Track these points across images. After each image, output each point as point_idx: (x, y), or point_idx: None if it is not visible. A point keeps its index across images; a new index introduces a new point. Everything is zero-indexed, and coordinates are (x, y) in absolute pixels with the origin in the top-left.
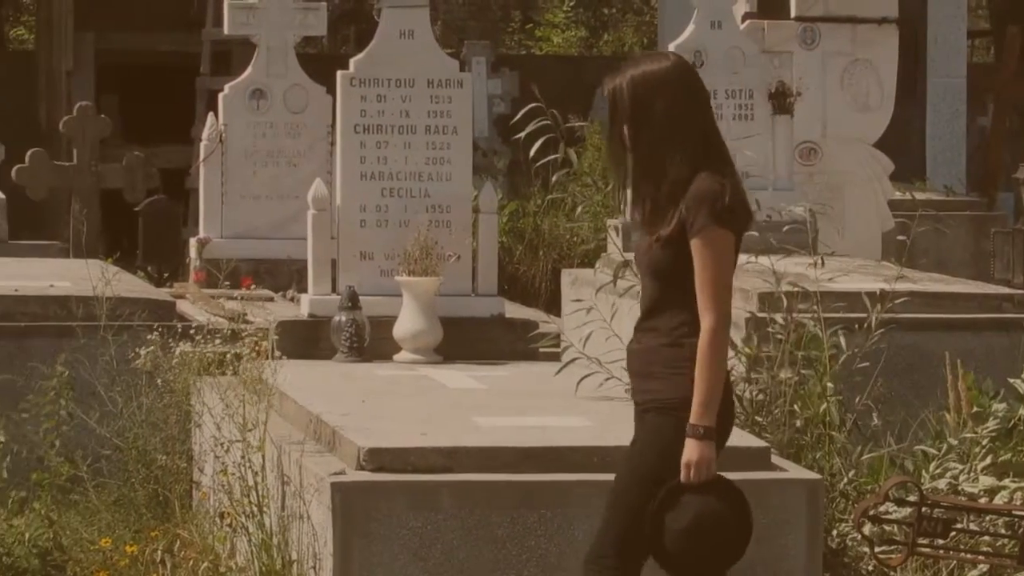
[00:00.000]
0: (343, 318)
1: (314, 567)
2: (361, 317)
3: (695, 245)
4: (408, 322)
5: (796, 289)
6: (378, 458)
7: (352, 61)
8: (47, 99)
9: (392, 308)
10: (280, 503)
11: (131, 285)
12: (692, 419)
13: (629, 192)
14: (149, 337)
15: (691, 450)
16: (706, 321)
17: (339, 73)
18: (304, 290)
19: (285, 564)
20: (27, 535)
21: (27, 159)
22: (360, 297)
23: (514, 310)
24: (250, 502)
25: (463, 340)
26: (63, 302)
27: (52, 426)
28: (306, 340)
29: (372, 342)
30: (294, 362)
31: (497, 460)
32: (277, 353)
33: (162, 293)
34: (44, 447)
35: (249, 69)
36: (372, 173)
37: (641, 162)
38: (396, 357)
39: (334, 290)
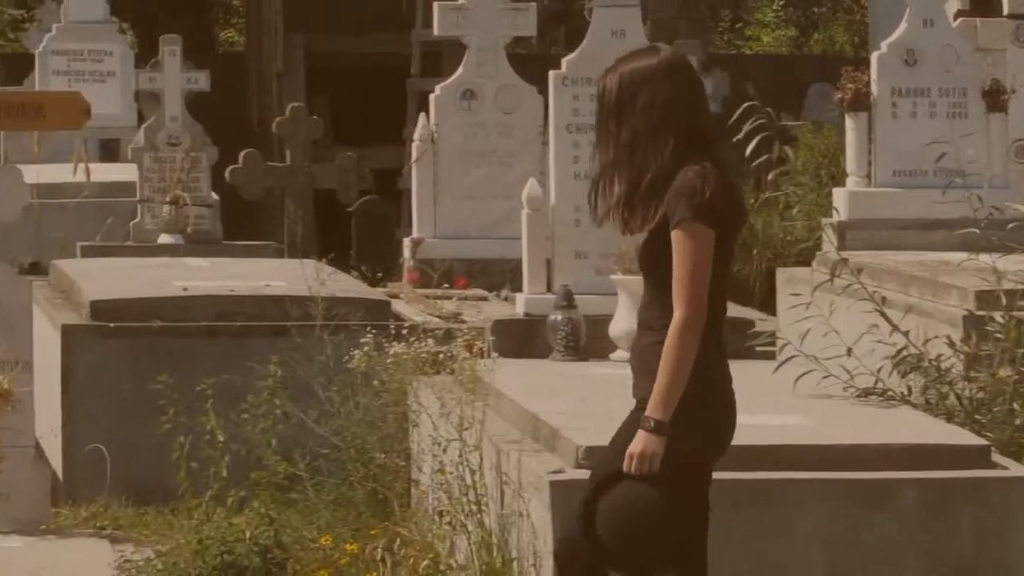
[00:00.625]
0: (559, 317)
1: (534, 565)
2: (577, 316)
3: (673, 238)
4: (624, 321)
5: (1017, 287)
6: (597, 456)
7: (564, 61)
8: (258, 101)
9: (607, 307)
10: (499, 502)
11: (346, 285)
12: (647, 410)
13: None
14: (363, 340)
15: (638, 441)
16: (676, 315)
17: (551, 73)
18: (518, 289)
19: (505, 562)
20: (248, 533)
21: (240, 160)
22: (575, 296)
23: (729, 309)
24: (469, 501)
25: None
26: (278, 302)
27: (268, 425)
28: (521, 339)
29: (588, 341)
30: (510, 361)
31: None
32: (493, 352)
33: (377, 293)
34: (261, 446)
35: (460, 70)
36: (586, 172)
37: (621, 156)
38: (612, 356)
39: (549, 289)
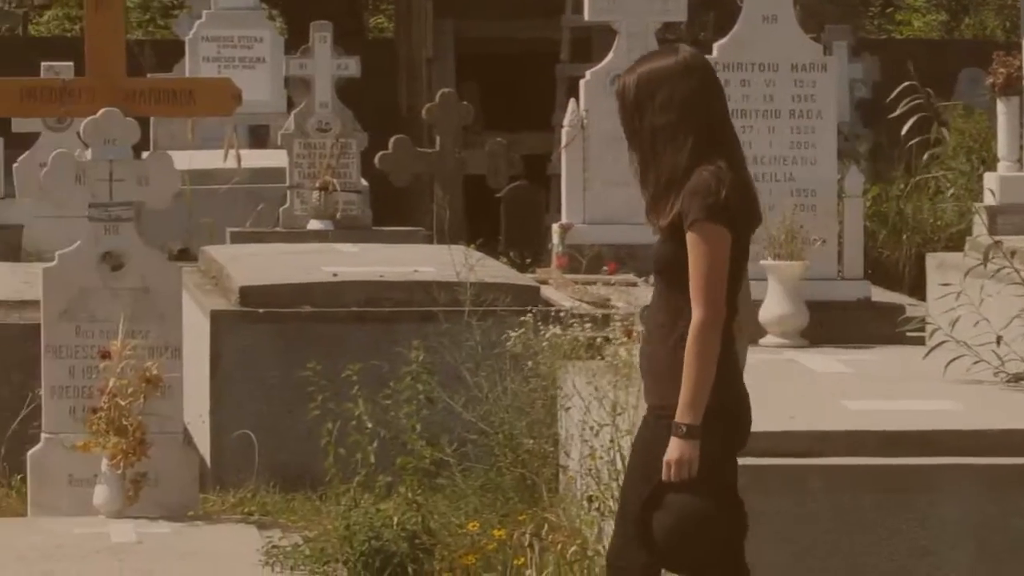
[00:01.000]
0: None
1: None
2: None
3: (688, 239)
4: (774, 306)
5: None
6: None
7: (715, 46)
8: (407, 87)
9: (758, 292)
10: None
11: (494, 271)
12: (676, 416)
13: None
14: (522, 319)
15: (672, 449)
16: (695, 317)
17: None
18: None
19: None
20: (395, 519)
21: (390, 146)
22: None
23: (879, 294)
24: (618, 486)
25: (829, 324)
26: (427, 287)
27: (412, 410)
28: None
29: None
30: None
31: (866, 444)
32: None
33: (526, 278)
34: (407, 431)
35: (610, 55)
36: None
37: (647, 156)
38: (762, 341)
39: None
